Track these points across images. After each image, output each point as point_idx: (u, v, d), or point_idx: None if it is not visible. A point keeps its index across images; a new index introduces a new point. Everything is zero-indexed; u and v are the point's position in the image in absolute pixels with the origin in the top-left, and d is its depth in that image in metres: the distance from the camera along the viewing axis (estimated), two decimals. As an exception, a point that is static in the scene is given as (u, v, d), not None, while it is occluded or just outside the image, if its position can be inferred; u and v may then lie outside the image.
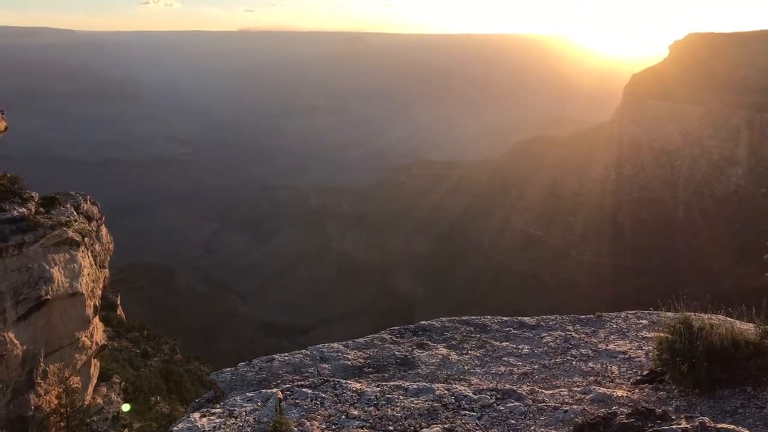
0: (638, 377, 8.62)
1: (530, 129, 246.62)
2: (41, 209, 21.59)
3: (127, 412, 31.98)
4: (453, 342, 10.45)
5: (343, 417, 7.07)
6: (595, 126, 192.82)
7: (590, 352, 9.79)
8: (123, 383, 35.96)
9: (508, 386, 8.07)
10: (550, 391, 8.03)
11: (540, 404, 7.38)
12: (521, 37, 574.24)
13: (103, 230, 24.92)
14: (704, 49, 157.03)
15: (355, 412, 7.20)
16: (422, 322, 11.34)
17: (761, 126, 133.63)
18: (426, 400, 7.47)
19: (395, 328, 11.06)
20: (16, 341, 18.48)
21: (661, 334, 8.23)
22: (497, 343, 10.35)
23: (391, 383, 8.21)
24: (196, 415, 7.19)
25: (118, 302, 60.03)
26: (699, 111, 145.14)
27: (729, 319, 9.57)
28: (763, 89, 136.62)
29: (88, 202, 24.46)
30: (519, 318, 11.51)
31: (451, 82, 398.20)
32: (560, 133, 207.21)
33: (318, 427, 6.80)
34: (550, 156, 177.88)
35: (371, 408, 7.33)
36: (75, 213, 22.62)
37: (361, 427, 6.84)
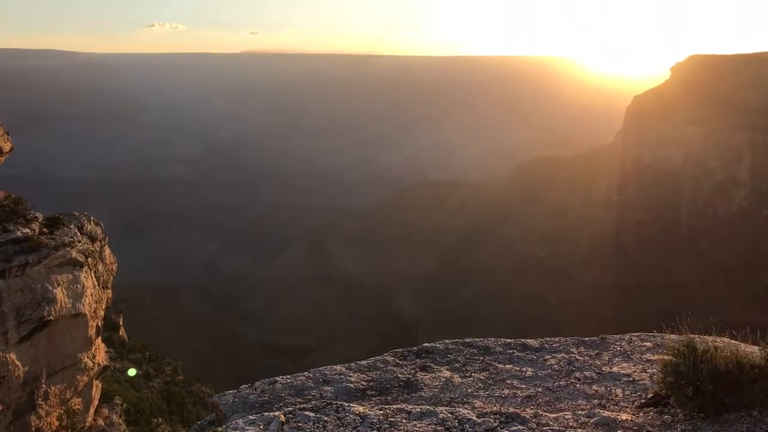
0: (643, 400, 8.55)
1: (534, 150, 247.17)
2: (45, 230, 21.65)
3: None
4: (456, 364, 10.39)
5: (346, 440, 7.03)
6: (598, 147, 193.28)
7: (594, 374, 9.72)
8: (125, 405, 35.75)
9: (511, 409, 8.01)
10: (554, 415, 7.97)
11: (544, 428, 7.32)
12: (524, 59, 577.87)
13: (106, 251, 24.95)
14: (705, 71, 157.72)
15: (358, 436, 7.15)
16: (425, 344, 11.28)
17: (763, 147, 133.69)
18: (429, 424, 7.42)
19: (398, 350, 11.01)
20: (17, 362, 18.42)
21: (666, 357, 8.17)
22: (501, 366, 10.29)
23: (394, 406, 8.16)
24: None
25: (121, 323, 59.96)
26: (701, 132, 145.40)
27: (734, 341, 9.51)
28: (765, 111, 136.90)
29: (92, 222, 24.52)
30: (522, 340, 11.45)
31: (454, 104, 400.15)
32: (564, 154, 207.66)
33: (320, 451, 6.75)
34: (554, 177, 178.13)
35: None
36: (78, 234, 22.67)
37: (364, 451, 6.78)
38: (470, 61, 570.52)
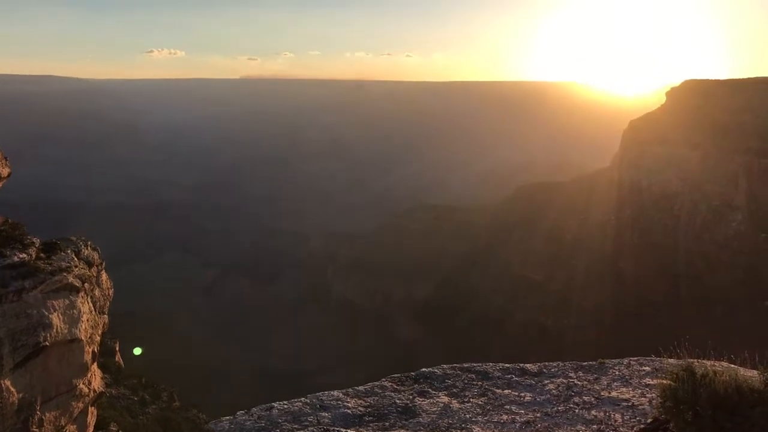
0: (642, 425, 8.51)
1: (531, 174, 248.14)
2: (42, 255, 21.52)
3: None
4: (454, 390, 10.33)
5: (343, 467, 6.96)
6: (595, 171, 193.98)
7: (593, 399, 9.68)
8: (120, 431, 35.34)
9: (510, 435, 7.95)
10: (553, 440, 7.92)
11: (543, 454, 7.27)
12: (520, 83, 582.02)
13: (104, 276, 24.81)
14: (700, 96, 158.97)
15: (355, 462, 7.09)
16: (423, 369, 11.24)
17: (759, 171, 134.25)
18: (427, 450, 7.36)
19: (396, 375, 10.96)
20: (12, 389, 18.21)
21: (664, 382, 8.14)
22: (499, 391, 10.24)
23: (392, 432, 8.11)
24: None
25: (117, 348, 59.48)
26: (697, 156, 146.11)
27: (732, 365, 9.49)
28: (760, 135, 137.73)
29: (89, 247, 24.39)
30: (521, 365, 11.41)
31: (451, 128, 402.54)
32: (560, 179, 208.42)
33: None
34: (551, 201, 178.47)
35: (371, 458, 7.22)
36: (75, 258, 22.53)
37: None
38: (466, 86, 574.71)
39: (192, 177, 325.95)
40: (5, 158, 24.15)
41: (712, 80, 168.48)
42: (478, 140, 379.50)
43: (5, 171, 23.73)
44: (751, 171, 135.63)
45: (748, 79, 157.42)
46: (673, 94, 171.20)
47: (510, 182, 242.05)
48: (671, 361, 9.01)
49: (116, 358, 57.66)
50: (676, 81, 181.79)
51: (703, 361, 8.83)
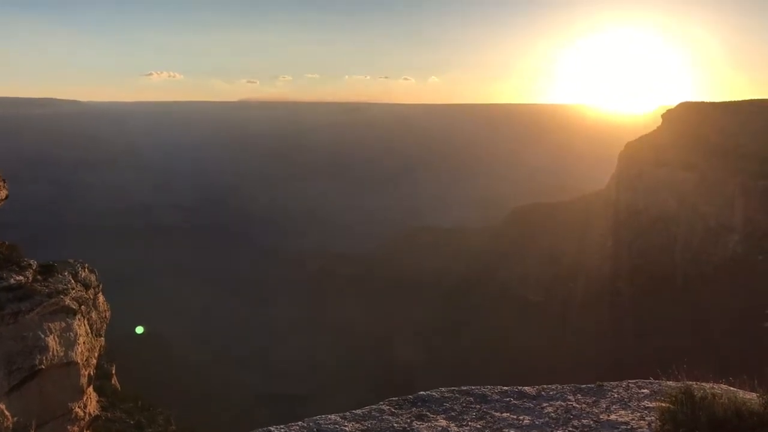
0: (641, 449, 8.46)
1: (528, 196, 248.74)
2: (39, 277, 21.54)
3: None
4: (453, 413, 10.28)
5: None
6: (592, 193, 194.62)
7: (592, 422, 9.63)
8: (115, 456, 35.00)
9: (508, 459, 7.91)
10: (552, 464, 7.87)
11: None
12: (517, 106, 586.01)
13: (100, 298, 24.78)
14: (696, 118, 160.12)
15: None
16: (421, 392, 11.18)
17: (755, 192, 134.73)
18: (425, 474, 7.31)
19: (394, 398, 10.90)
20: (7, 412, 18.12)
21: (663, 404, 8.12)
22: (498, 414, 10.19)
23: (390, 456, 8.05)
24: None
25: (113, 371, 58.95)
26: (693, 178, 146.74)
27: (732, 388, 9.46)
28: (756, 157, 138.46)
29: (86, 269, 24.41)
30: (519, 387, 11.36)
31: (450, 150, 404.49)
32: (557, 200, 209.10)
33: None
34: (548, 222, 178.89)
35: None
36: (73, 281, 22.55)
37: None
38: (463, 108, 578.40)
39: (190, 199, 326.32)
40: (3, 180, 24.22)
41: (707, 102, 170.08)
42: (475, 161, 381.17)
43: (3, 193, 23.79)
44: (747, 192, 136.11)
45: (744, 101, 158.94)
46: (669, 115, 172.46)
47: (507, 204, 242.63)
48: (670, 383, 8.98)
49: (112, 381, 57.15)
50: (672, 103, 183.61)
51: (702, 383, 8.81)
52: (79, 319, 21.17)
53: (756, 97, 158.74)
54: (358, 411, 10.40)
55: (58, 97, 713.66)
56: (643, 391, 10.95)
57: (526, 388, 11.35)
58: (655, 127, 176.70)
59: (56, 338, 19.56)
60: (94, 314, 23.08)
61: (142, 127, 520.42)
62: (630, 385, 11.29)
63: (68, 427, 21.78)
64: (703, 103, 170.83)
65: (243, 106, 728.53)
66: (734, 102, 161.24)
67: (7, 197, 23.67)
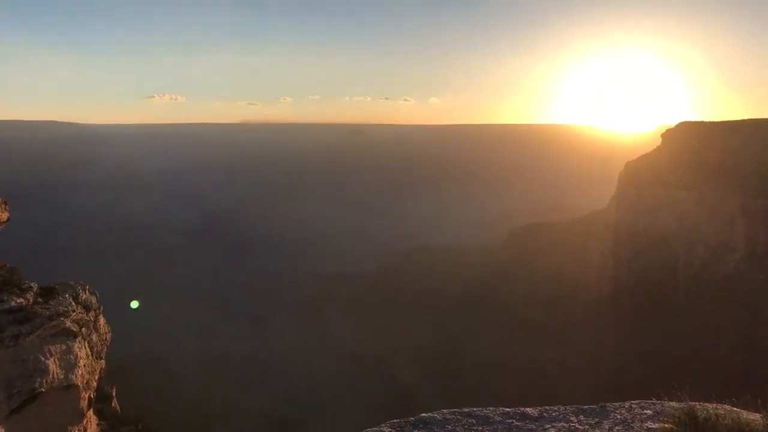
0: (645, 471, 8.40)
1: (528, 216, 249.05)
2: (40, 299, 21.52)
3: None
4: (455, 435, 10.23)
5: None
6: (592, 212, 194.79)
7: (595, 444, 9.58)
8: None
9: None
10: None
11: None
12: (516, 126, 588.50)
13: (101, 320, 24.73)
14: (696, 137, 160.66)
15: None
16: (423, 414, 11.13)
17: (756, 212, 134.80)
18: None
19: (395, 421, 10.85)
20: (7, 436, 17.96)
21: (667, 426, 8.09)
22: (500, 436, 10.14)
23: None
24: None
25: (113, 394, 58.56)
26: (693, 197, 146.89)
27: (735, 409, 9.41)
28: (756, 176, 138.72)
29: (87, 291, 24.39)
30: (521, 409, 11.30)
31: (450, 170, 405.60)
32: (557, 220, 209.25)
33: None
34: (548, 242, 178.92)
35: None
36: (73, 303, 22.52)
37: None
38: (462, 129, 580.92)
39: (190, 221, 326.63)
40: (5, 203, 24.28)
41: (707, 122, 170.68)
42: (474, 182, 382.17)
43: (5, 215, 23.83)
44: (748, 212, 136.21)
45: (742, 120, 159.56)
46: (669, 135, 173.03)
47: (506, 224, 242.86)
48: (673, 404, 8.94)
49: (112, 404, 56.75)
50: (672, 122, 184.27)
51: (705, 404, 8.77)
52: (79, 342, 21.11)
53: (757, 117, 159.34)
54: (361, 434, 10.36)
55: (60, 120, 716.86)
56: (646, 411, 10.90)
57: (528, 409, 11.30)
58: (654, 147, 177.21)
59: (56, 361, 19.49)
60: (94, 336, 23.02)
61: (143, 150, 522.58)
62: (633, 405, 11.24)
63: (67, 450, 21.58)
64: (702, 122, 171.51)
65: (244, 127, 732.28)
66: (733, 121, 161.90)
67: (8, 219, 23.72)
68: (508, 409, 11.27)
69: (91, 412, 23.72)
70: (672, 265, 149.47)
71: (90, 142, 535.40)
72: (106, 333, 24.73)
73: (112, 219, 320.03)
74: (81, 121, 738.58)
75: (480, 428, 10.51)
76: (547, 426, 10.46)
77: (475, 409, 11.29)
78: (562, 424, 10.49)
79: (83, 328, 21.48)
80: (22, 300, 19.77)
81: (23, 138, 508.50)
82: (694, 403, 8.37)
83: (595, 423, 10.46)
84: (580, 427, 10.30)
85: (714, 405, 9.12)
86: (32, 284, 21.57)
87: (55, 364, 19.29)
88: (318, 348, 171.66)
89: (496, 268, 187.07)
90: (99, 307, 24.63)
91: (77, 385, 20.56)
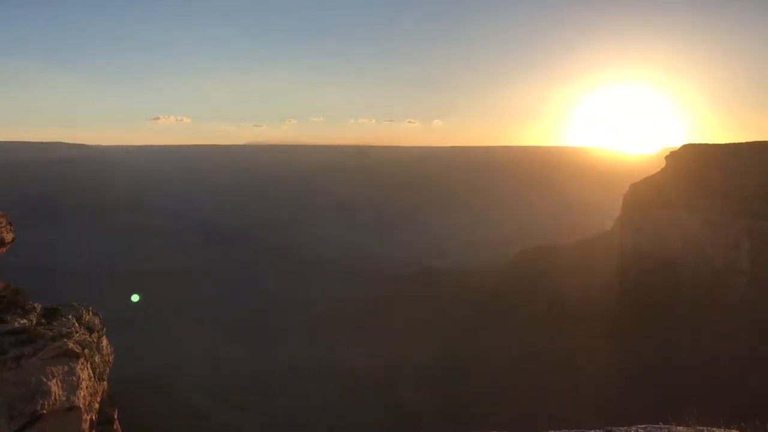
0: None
1: (532, 239, 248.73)
2: (43, 320, 21.48)
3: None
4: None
5: None
6: (597, 235, 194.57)
7: (601, 469, 9.47)
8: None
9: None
10: None
11: None
12: (521, 148, 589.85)
13: (104, 342, 24.64)
14: (700, 159, 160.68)
15: None
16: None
17: (761, 234, 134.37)
18: None
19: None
20: (7, 459, 17.81)
21: (673, 450, 7.98)
22: (505, 460, 10.03)
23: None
24: None
25: (116, 416, 58.34)
26: (698, 220, 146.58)
27: (742, 433, 9.30)
28: (761, 198, 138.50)
29: (90, 313, 24.34)
30: (527, 433, 11.21)
31: (454, 193, 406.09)
32: (562, 242, 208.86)
33: None
34: (553, 264, 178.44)
35: None
36: (76, 324, 22.47)
37: None
38: (466, 151, 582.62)
39: (195, 243, 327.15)
40: (10, 224, 24.35)
41: (711, 144, 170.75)
42: (479, 204, 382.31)
43: (9, 236, 23.89)
44: (753, 234, 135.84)
45: (747, 143, 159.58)
46: (673, 157, 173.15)
47: (511, 246, 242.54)
48: (680, 428, 8.84)
49: (114, 426, 56.52)
50: (676, 144, 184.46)
51: (713, 428, 8.67)
52: (82, 363, 21.03)
53: (761, 139, 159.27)
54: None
55: (66, 141, 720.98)
56: (652, 436, 10.79)
57: (533, 433, 11.20)
58: (659, 169, 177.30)
59: (59, 382, 19.41)
60: (97, 358, 22.94)
61: (149, 171, 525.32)
62: (639, 430, 11.13)
63: (68, 474, 21.36)
64: (706, 144, 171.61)
65: (249, 149, 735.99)
66: (737, 143, 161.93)
67: (13, 240, 23.79)
68: (513, 433, 11.18)
69: (92, 434, 23.50)
70: (677, 287, 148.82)
71: (96, 164, 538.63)
72: (109, 354, 24.64)
73: (117, 240, 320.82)
74: (87, 142, 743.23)
75: (484, 452, 10.42)
76: (553, 450, 10.36)
77: (479, 432, 11.20)
78: (567, 448, 10.39)
79: (86, 350, 21.40)
80: (25, 321, 19.74)
81: (31, 160, 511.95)
82: (701, 428, 8.29)
83: (601, 447, 10.36)
84: (585, 451, 10.20)
85: (721, 429, 9.03)
86: (35, 305, 21.55)
87: (58, 386, 19.20)
88: (322, 372, 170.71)
89: (501, 290, 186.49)
90: (102, 329, 24.57)
91: (79, 407, 20.44)
